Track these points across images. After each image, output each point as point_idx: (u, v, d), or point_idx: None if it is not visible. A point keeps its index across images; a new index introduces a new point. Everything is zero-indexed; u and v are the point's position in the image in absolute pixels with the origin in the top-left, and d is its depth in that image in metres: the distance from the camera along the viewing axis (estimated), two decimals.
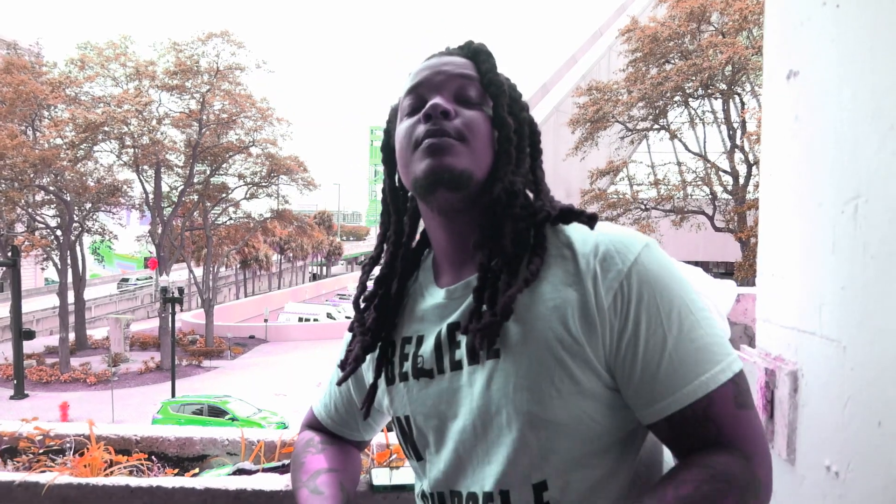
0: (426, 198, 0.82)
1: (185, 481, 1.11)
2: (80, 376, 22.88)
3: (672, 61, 20.36)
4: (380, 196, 0.93)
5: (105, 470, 1.21)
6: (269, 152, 28.21)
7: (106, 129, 23.96)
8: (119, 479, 1.12)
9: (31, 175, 23.11)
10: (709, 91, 19.87)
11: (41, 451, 1.31)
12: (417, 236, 0.95)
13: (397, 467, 1.16)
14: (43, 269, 38.12)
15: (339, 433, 1.02)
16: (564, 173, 25.69)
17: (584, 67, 29.76)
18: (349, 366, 0.89)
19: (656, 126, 21.65)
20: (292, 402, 17.76)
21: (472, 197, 0.80)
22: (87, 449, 1.26)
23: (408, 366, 0.85)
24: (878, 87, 0.75)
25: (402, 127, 0.84)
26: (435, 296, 0.86)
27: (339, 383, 0.93)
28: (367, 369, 0.92)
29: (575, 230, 0.80)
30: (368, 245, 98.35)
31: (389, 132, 0.91)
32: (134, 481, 1.10)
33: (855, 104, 0.80)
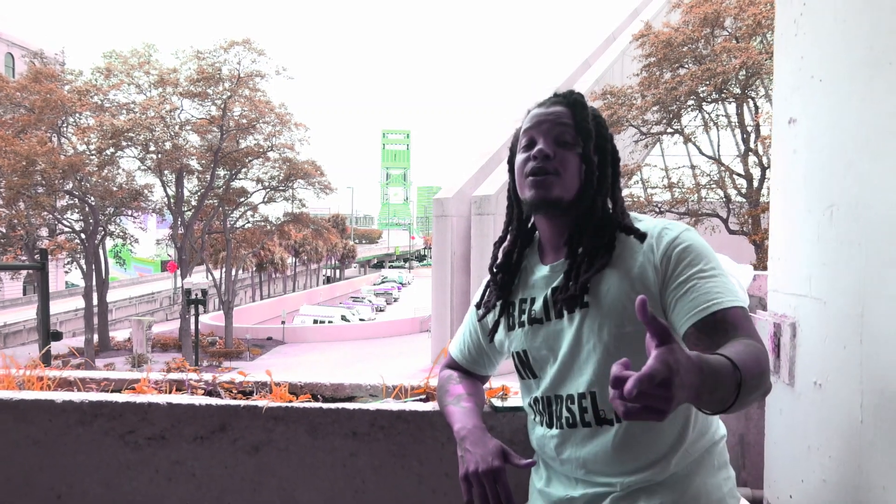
0: (533, 213, 1.27)
1: (361, 405, 1.57)
2: None
3: (686, 66, 20.53)
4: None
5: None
6: (287, 157, 28.77)
7: (131, 134, 24.62)
8: (314, 403, 1.57)
9: (59, 181, 23.82)
10: (723, 95, 20.07)
11: (237, 391, 1.77)
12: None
13: (506, 397, 1.61)
14: (67, 272, 38.92)
15: (471, 369, 1.47)
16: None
17: (598, 72, 30.07)
18: (485, 307, 1.34)
19: (670, 130, 21.90)
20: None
21: (564, 210, 1.20)
22: (273, 389, 1.71)
23: (524, 317, 1.28)
24: (844, 135, 1.20)
25: (520, 158, 1.25)
26: (542, 270, 1.28)
27: (480, 319, 1.38)
28: (489, 320, 1.36)
29: (643, 224, 1.20)
30: (381, 248, 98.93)
31: (513, 151, 1.30)
32: (325, 405, 1.56)
33: (831, 144, 1.24)
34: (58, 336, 18.76)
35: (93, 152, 24.99)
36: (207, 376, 1.79)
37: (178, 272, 28.73)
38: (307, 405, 1.57)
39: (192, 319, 22.87)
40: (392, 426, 1.54)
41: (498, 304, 1.33)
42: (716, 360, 0.89)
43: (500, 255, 1.35)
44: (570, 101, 1.24)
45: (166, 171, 26.85)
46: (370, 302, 48.93)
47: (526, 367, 1.30)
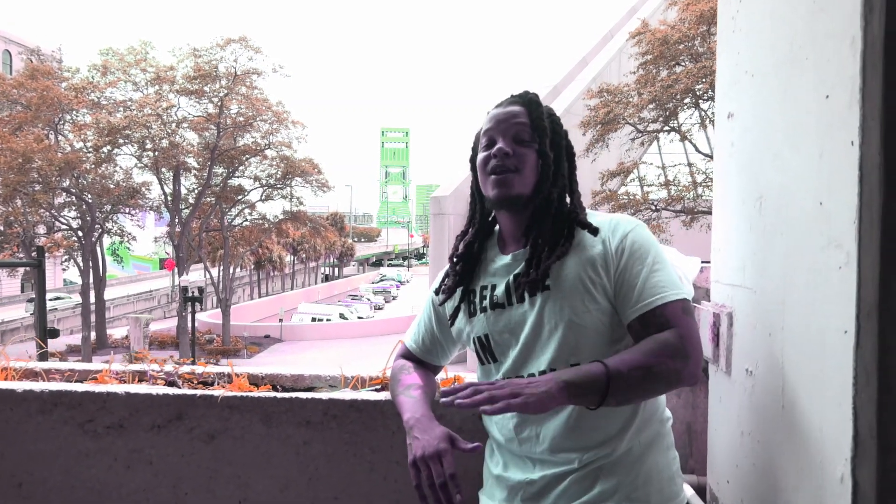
0: (496, 209, 1.35)
1: (314, 394, 1.60)
2: None
3: (682, 63, 20.58)
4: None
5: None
6: (284, 155, 28.78)
7: (128, 132, 24.63)
8: (268, 393, 1.61)
9: (56, 178, 23.84)
10: None
11: (197, 382, 1.80)
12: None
13: None
14: (64, 269, 38.97)
15: (425, 359, 1.51)
16: (576, 174, 26.04)
17: (595, 70, 30.10)
18: (444, 293, 1.41)
19: (667, 128, 21.96)
20: None
21: (524, 204, 1.29)
22: (232, 380, 1.75)
23: (486, 303, 1.34)
24: (771, 128, 1.23)
25: (482, 156, 1.32)
26: (503, 259, 1.35)
27: (440, 304, 1.43)
28: (448, 308, 1.42)
29: (598, 220, 1.30)
30: (380, 246, 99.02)
31: (475, 151, 1.38)
32: (279, 394, 1.59)
33: (760, 138, 1.28)
34: (55, 333, 18.83)
35: (89, 150, 25.00)
36: (169, 367, 1.83)
37: (176, 270, 28.75)
38: (262, 395, 1.61)
39: (190, 317, 22.89)
40: (345, 415, 1.58)
41: (458, 291, 1.39)
42: (582, 367, 1.13)
43: (461, 246, 1.41)
44: (526, 100, 1.32)
45: (163, 169, 26.86)
46: (368, 300, 48.99)
47: (487, 352, 1.36)
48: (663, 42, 20.23)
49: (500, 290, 1.32)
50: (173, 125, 26.27)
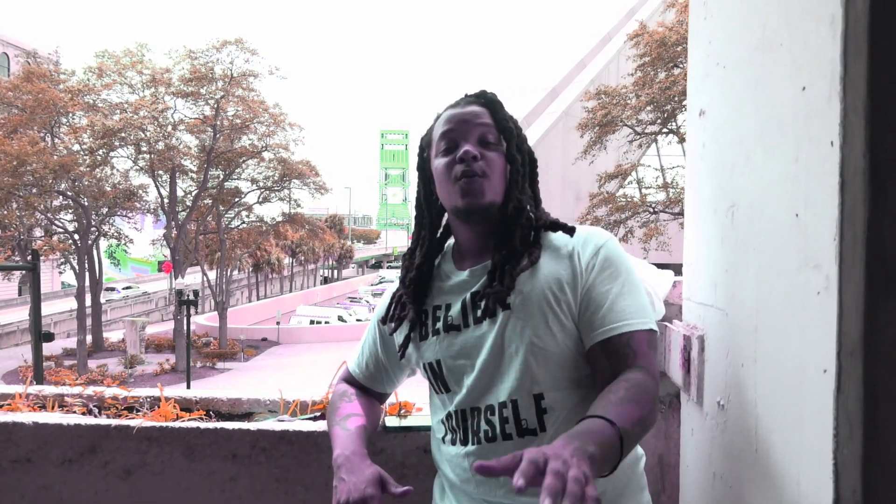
0: (464, 220, 1.18)
1: (242, 424, 1.44)
2: (97, 378, 23.35)
3: (681, 65, 20.47)
4: (413, 200, 1.29)
5: (174, 421, 1.54)
6: (282, 157, 28.63)
7: (123, 135, 24.47)
8: (190, 423, 1.44)
9: (51, 181, 23.68)
10: None
11: (122, 407, 1.64)
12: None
13: (406, 416, 1.48)
14: (61, 272, 38.83)
15: (369, 386, 1.35)
16: (574, 177, 25.91)
17: (594, 72, 29.98)
18: (394, 322, 1.24)
19: (665, 130, 21.82)
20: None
21: (494, 213, 1.15)
22: (159, 407, 1.59)
23: (439, 324, 1.19)
24: (742, 127, 1.07)
25: (441, 162, 1.17)
26: (459, 276, 1.20)
27: (391, 333, 1.27)
28: (398, 337, 1.25)
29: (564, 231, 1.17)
30: (380, 248, 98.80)
31: (423, 154, 1.24)
32: (203, 424, 1.43)
33: (732, 138, 1.11)
34: (50, 337, 18.66)
35: (85, 152, 24.84)
36: (91, 390, 1.66)
37: (172, 273, 28.58)
38: (182, 425, 1.44)
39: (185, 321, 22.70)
40: (274, 448, 1.42)
41: (409, 315, 1.22)
42: (593, 428, 0.91)
43: (410, 266, 1.25)
44: (487, 100, 1.20)
45: (159, 172, 26.71)
46: (367, 302, 48.72)
47: (439, 380, 1.20)
48: (661, 44, 20.13)
49: (455, 309, 1.18)
50: (169, 127, 26.13)
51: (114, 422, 1.45)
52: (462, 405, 1.16)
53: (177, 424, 1.44)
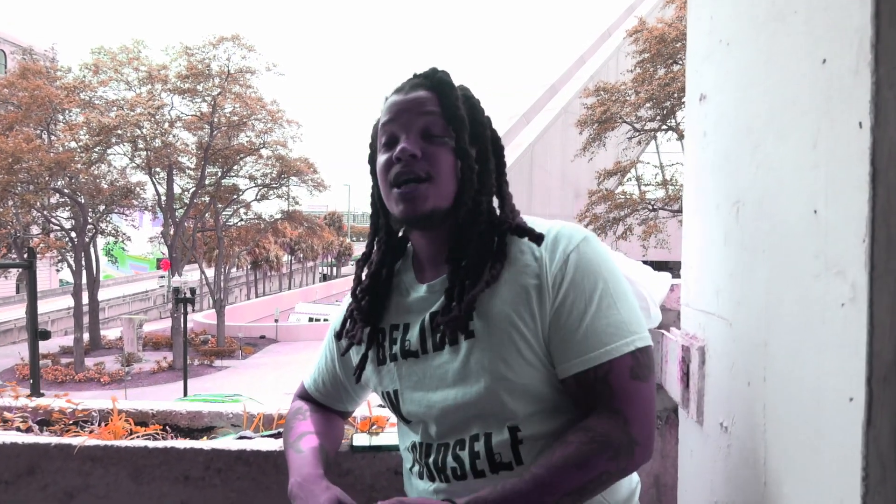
0: (405, 229, 1.03)
1: (195, 443, 1.31)
2: (94, 376, 23.27)
3: (680, 62, 20.35)
4: (369, 200, 1.08)
5: (126, 437, 1.41)
6: (280, 154, 28.48)
7: (119, 132, 24.32)
8: (138, 442, 1.31)
9: (47, 178, 23.52)
10: None
11: (71, 422, 1.50)
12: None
13: (377, 433, 1.35)
14: (58, 270, 38.69)
15: (327, 404, 1.21)
16: (573, 174, 25.77)
17: (593, 68, 29.82)
18: (347, 340, 1.08)
19: (664, 126, 21.68)
20: None
21: (442, 220, 0.97)
22: (111, 420, 1.46)
23: (396, 349, 1.03)
24: (750, 112, 0.93)
25: (381, 160, 1.00)
26: (418, 290, 1.03)
27: (342, 354, 1.12)
28: (353, 355, 1.10)
29: (534, 227, 0.97)
30: None
31: (374, 148, 1.06)
32: (151, 443, 1.30)
33: (738, 125, 0.98)
34: (46, 335, 18.53)
35: (82, 149, 24.68)
36: (37, 403, 1.53)
37: (170, 270, 28.44)
38: (129, 444, 1.30)
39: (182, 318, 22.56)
40: (231, 469, 1.28)
41: (365, 333, 1.06)
42: (508, 496, 0.84)
43: (363, 276, 1.08)
44: (434, 81, 1.00)
45: (156, 169, 26.57)
46: None
47: (398, 411, 1.05)
48: (660, 40, 20.01)
49: (413, 333, 1.02)
50: (166, 124, 25.98)
51: (54, 440, 1.32)
52: (427, 439, 1.02)
53: (123, 443, 1.30)
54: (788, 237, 0.81)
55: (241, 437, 1.39)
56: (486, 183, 1.00)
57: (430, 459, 1.00)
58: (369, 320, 1.06)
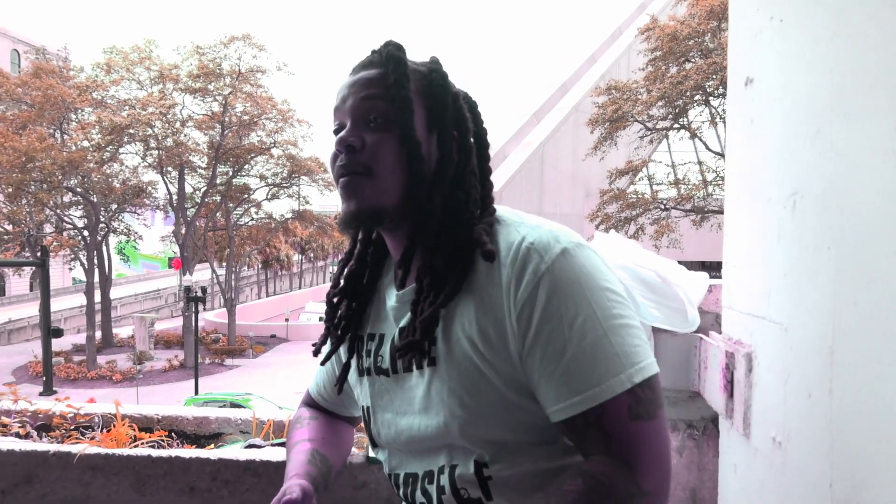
0: (345, 229, 0.90)
1: (201, 453, 1.23)
2: (106, 374, 23.40)
3: (692, 60, 20.17)
4: None
5: (129, 444, 1.34)
6: (290, 153, 28.52)
7: (131, 131, 24.44)
8: (142, 451, 1.24)
9: (60, 177, 23.67)
10: None
11: (72, 427, 1.44)
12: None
13: None
14: (71, 268, 38.98)
15: (332, 410, 1.12)
16: (584, 173, 25.60)
17: (604, 67, 29.62)
18: (324, 357, 1.00)
19: (676, 125, 21.48)
20: None
21: (394, 220, 0.85)
22: (114, 426, 1.39)
23: (370, 362, 0.93)
24: (810, 93, 0.84)
25: (330, 151, 0.88)
26: (391, 297, 0.92)
27: (322, 363, 1.04)
28: (345, 352, 1.00)
29: (506, 234, 0.81)
30: None
31: None
32: (155, 452, 1.22)
33: (794, 109, 0.89)
34: (59, 333, 18.66)
35: (94, 148, 24.82)
36: (44, 405, 1.46)
37: (182, 269, 28.56)
38: (132, 453, 1.23)
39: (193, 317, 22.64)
40: (239, 480, 1.20)
41: (345, 339, 0.96)
42: None
43: (341, 280, 0.98)
44: (384, 57, 0.86)
45: (168, 168, 26.68)
46: None
47: (368, 431, 0.96)
48: (672, 38, 19.85)
49: (385, 349, 0.91)
50: (177, 124, 26.07)
51: (53, 447, 1.25)
52: (395, 468, 0.93)
53: (125, 452, 1.23)
54: (861, 232, 0.72)
55: (249, 446, 1.32)
56: (443, 175, 0.85)
57: (401, 492, 0.92)
58: (348, 328, 0.96)
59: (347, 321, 0.96)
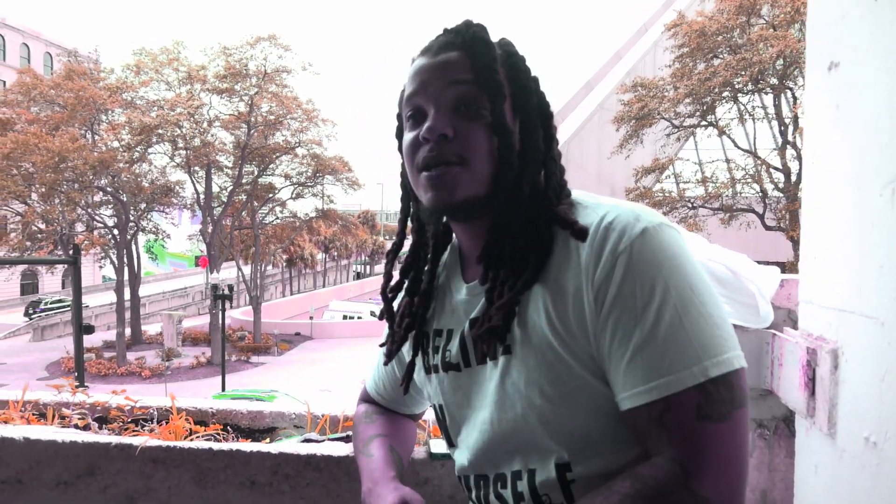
0: (438, 219, 0.88)
1: (261, 446, 1.22)
2: (135, 370, 23.82)
3: (720, 56, 19.87)
4: (399, 180, 0.93)
5: (186, 437, 1.33)
6: (315, 153, 28.73)
7: (160, 131, 24.85)
8: (202, 444, 1.24)
9: (91, 177, 24.14)
10: (759, 86, 19.33)
11: (129, 419, 1.44)
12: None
13: None
14: (101, 266, 39.72)
15: (391, 407, 1.10)
16: (609, 172, 25.36)
17: (629, 64, 29.29)
18: (387, 350, 0.97)
19: (704, 122, 21.17)
20: (337, 398, 18.07)
21: (482, 210, 0.82)
22: (170, 419, 1.39)
23: (438, 359, 0.90)
24: None
25: (407, 138, 0.84)
26: (461, 291, 0.89)
27: (385, 363, 1.01)
28: (408, 349, 0.97)
29: (584, 215, 0.79)
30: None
31: (401, 118, 0.89)
32: (216, 445, 1.22)
33: (890, 93, 0.84)
34: (90, 330, 19.03)
35: (124, 149, 25.27)
36: (94, 399, 1.47)
37: (208, 267, 28.95)
38: (192, 446, 1.23)
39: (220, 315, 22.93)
40: (299, 475, 1.19)
41: (409, 337, 0.93)
42: None
43: (391, 270, 0.95)
44: (467, 38, 0.81)
45: (196, 167, 27.05)
46: None
47: (443, 429, 0.94)
48: (700, 34, 19.57)
49: (454, 343, 0.88)
50: (205, 124, 26.42)
51: (114, 439, 1.25)
52: (466, 470, 0.89)
53: (186, 444, 1.23)
54: None
55: (305, 440, 1.31)
56: (530, 163, 0.82)
57: (473, 495, 0.89)
58: (411, 325, 0.93)
59: (412, 318, 0.93)
